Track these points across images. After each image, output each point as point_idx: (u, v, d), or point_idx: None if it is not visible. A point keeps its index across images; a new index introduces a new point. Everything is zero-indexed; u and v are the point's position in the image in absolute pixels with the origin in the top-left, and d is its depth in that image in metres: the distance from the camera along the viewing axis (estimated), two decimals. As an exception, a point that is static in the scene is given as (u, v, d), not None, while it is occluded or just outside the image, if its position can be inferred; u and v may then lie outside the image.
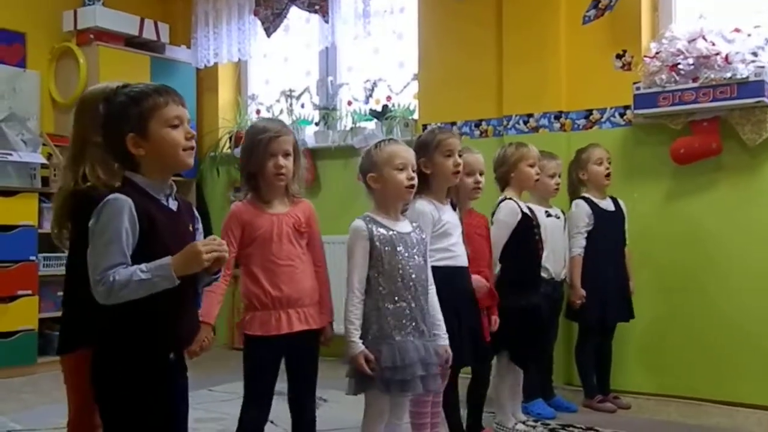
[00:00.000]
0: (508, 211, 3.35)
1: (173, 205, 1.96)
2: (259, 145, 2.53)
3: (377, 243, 2.49)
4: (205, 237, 1.95)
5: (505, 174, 3.44)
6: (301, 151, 2.64)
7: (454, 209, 2.97)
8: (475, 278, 3.02)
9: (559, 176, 3.82)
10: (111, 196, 1.85)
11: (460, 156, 2.89)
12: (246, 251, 2.55)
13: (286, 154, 2.53)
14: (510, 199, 3.40)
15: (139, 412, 1.87)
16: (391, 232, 2.53)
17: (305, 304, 2.55)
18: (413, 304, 2.52)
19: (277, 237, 2.53)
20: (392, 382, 2.45)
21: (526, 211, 3.41)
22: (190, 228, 2.01)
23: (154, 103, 1.88)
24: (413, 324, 2.51)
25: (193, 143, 1.95)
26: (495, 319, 3.13)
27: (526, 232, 3.36)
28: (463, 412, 3.22)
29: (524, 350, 3.34)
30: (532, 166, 3.46)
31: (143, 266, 1.80)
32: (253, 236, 2.53)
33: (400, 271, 2.51)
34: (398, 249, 2.52)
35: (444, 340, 2.61)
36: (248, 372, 2.57)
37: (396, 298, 2.50)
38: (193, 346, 2.46)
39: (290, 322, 2.51)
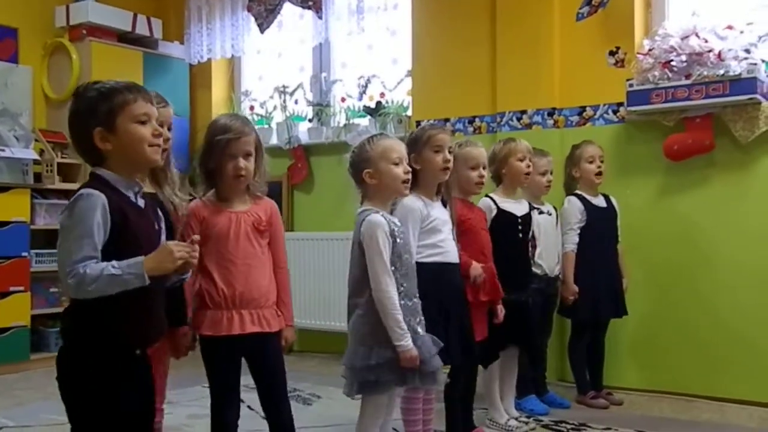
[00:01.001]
0: (483, 208, 3.35)
1: (141, 202, 1.98)
2: (218, 146, 2.46)
3: (397, 238, 2.49)
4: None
5: (497, 171, 3.45)
6: (263, 148, 2.57)
7: (445, 206, 2.96)
8: (475, 265, 3.02)
9: (551, 173, 3.82)
10: (84, 190, 1.85)
11: (450, 152, 2.90)
12: (202, 249, 2.43)
13: (246, 155, 2.47)
14: (487, 196, 3.40)
15: (104, 408, 1.87)
16: (398, 227, 2.53)
17: (260, 306, 2.47)
18: (416, 300, 2.54)
19: (234, 235, 2.46)
20: (426, 375, 2.45)
21: (510, 208, 3.41)
22: (156, 226, 2.02)
23: (124, 99, 1.90)
24: (421, 319, 2.52)
25: (160, 141, 1.96)
26: (500, 309, 3.15)
27: (505, 228, 3.36)
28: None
29: (494, 347, 3.34)
30: (521, 160, 3.46)
31: (115, 263, 1.81)
32: (208, 233, 2.45)
33: (412, 267, 2.53)
34: (407, 243, 2.54)
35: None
36: (208, 372, 2.52)
37: (411, 293, 2.51)
38: (175, 349, 2.48)
39: (242, 323, 2.43)
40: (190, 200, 2.55)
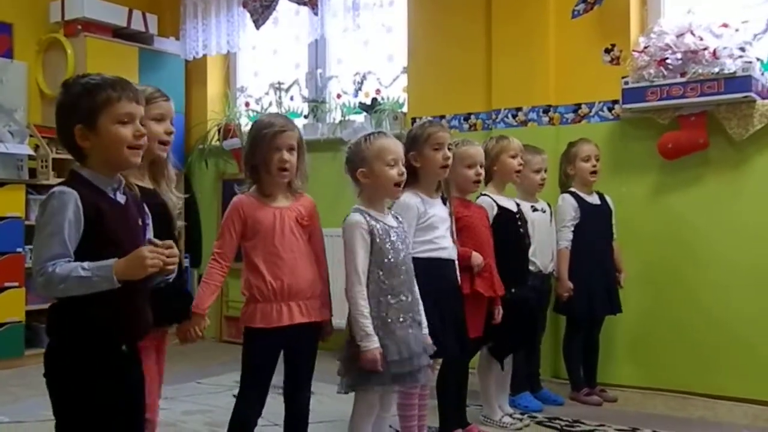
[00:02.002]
0: (485, 206, 3.36)
1: (121, 198, 1.95)
2: (264, 139, 2.53)
3: (377, 237, 2.50)
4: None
5: (488, 167, 3.44)
6: (305, 148, 2.62)
7: (445, 203, 2.97)
8: (476, 254, 3.04)
9: (545, 171, 3.82)
10: (57, 188, 1.84)
11: (449, 149, 2.90)
12: (248, 243, 2.54)
13: (290, 149, 2.53)
14: (485, 195, 3.41)
15: (90, 405, 1.86)
16: (385, 226, 2.54)
17: (306, 297, 2.54)
18: (410, 297, 2.55)
19: (280, 229, 2.52)
20: (400, 375, 2.47)
21: (507, 204, 3.42)
22: (139, 222, 1.99)
23: (107, 97, 1.86)
24: (411, 316, 2.53)
25: (142, 142, 1.92)
26: (498, 310, 3.17)
27: (507, 225, 3.37)
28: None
29: (505, 343, 3.36)
30: (513, 157, 3.46)
31: (86, 264, 1.79)
32: (256, 229, 2.52)
33: (398, 265, 2.53)
34: (394, 242, 2.54)
35: (426, 329, 2.62)
36: (247, 364, 2.56)
37: (397, 291, 2.51)
38: (181, 335, 2.47)
39: (291, 314, 2.50)
40: (186, 198, 2.55)
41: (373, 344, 2.43)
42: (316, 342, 2.62)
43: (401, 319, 2.51)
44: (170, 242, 1.91)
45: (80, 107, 1.87)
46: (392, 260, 2.52)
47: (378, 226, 2.52)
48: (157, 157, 2.38)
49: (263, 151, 2.52)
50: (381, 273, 2.49)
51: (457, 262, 2.98)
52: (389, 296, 2.49)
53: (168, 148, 2.43)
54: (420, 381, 2.57)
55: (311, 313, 2.54)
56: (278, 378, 2.59)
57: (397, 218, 2.66)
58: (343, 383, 2.53)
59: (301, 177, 2.61)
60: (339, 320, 2.65)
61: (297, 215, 2.56)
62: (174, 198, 2.47)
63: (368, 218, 2.52)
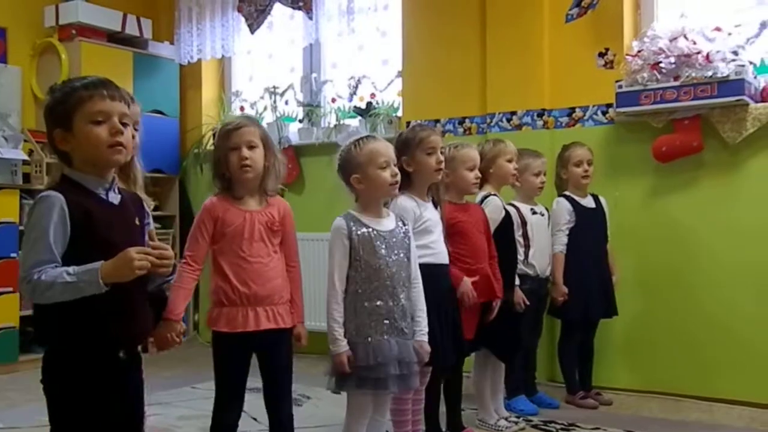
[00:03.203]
0: (494, 208, 3.37)
1: (114, 198, 1.92)
2: (221, 140, 2.54)
3: (356, 242, 2.49)
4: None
5: (484, 170, 3.44)
6: (275, 147, 2.61)
7: (436, 207, 2.97)
8: (466, 280, 3.03)
9: (545, 174, 3.83)
10: (43, 193, 1.83)
11: (441, 153, 2.91)
12: (216, 246, 2.53)
13: (250, 146, 2.50)
14: (494, 195, 3.42)
15: (86, 412, 1.85)
16: (372, 231, 2.53)
17: (274, 302, 2.52)
18: (391, 303, 2.51)
19: (249, 234, 2.50)
20: (367, 380, 2.47)
21: (508, 208, 3.44)
22: (137, 222, 1.97)
23: (79, 98, 1.85)
24: (389, 322, 2.50)
25: (121, 139, 1.87)
26: (495, 303, 3.18)
27: (508, 229, 3.38)
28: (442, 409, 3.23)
29: (504, 344, 3.36)
30: (510, 161, 3.48)
31: (71, 269, 1.76)
32: (223, 232, 2.50)
33: (379, 271, 2.51)
34: (378, 248, 2.52)
35: (423, 335, 2.60)
36: (217, 369, 2.56)
37: (373, 297, 2.50)
38: (158, 342, 2.45)
39: (258, 320, 2.47)
40: (180, 204, 2.56)
41: (340, 348, 2.45)
42: (288, 347, 2.59)
43: (374, 325, 2.49)
44: (159, 243, 1.89)
45: (56, 111, 1.87)
46: (373, 266, 2.50)
47: (361, 231, 2.51)
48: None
49: (223, 152, 2.52)
50: (357, 278, 2.49)
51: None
52: (365, 302, 2.49)
53: (132, 152, 2.41)
54: (393, 389, 2.53)
55: (278, 319, 2.52)
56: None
57: (402, 221, 2.65)
58: (330, 382, 2.55)
59: (273, 177, 2.58)
60: (322, 323, 2.63)
61: (268, 220, 2.54)
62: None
63: (352, 224, 2.51)
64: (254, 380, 2.58)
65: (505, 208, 3.40)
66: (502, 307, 3.27)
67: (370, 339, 2.47)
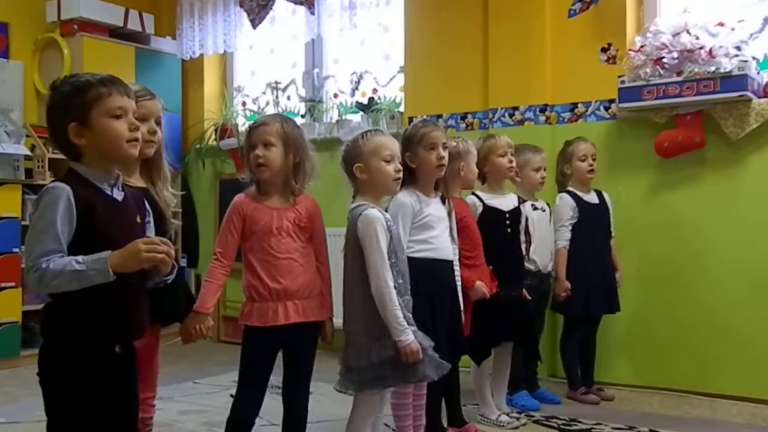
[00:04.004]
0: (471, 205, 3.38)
1: (118, 195, 1.94)
2: (245, 139, 2.57)
3: (391, 234, 2.49)
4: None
5: (480, 169, 3.43)
6: (303, 144, 2.59)
7: (444, 202, 2.96)
8: (479, 284, 3.06)
9: (545, 170, 3.83)
10: (50, 184, 1.84)
11: (444, 148, 2.90)
12: (246, 244, 2.54)
13: (265, 144, 2.51)
14: (473, 193, 3.42)
15: (81, 405, 1.86)
16: (391, 224, 2.53)
17: (304, 296, 2.53)
18: (408, 297, 2.53)
19: (277, 231, 2.51)
20: (429, 367, 2.46)
21: (497, 204, 3.42)
22: (138, 219, 1.99)
23: (97, 93, 1.87)
24: (411, 315, 2.52)
25: (138, 135, 1.92)
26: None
27: (493, 224, 3.37)
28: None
29: (485, 343, 3.36)
30: (503, 156, 3.46)
31: (80, 258, 1.78)
32: (253, 229, 2.52)
33: (403, 263, 2.53)
34: (398, 240, 2.54)
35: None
36: (244, 362, 2.57)
37: (404, 290, 2.51)
38: (184, 334, 2.48)
39: (287, 314, 2.49)
40: (183, 198, 2.56)
41: (410, 336, 2.41)
42: (314, 343, 2.61)
43: (409, 317, 2.50)
44: (164, 239, 1.90)
45: (72, 105, 1.87)
46: (402, 260, 2.52)
47: (390, 223, 2.52)
48: (148, 156, 2.37)
49: (245, 150, 2.55)
50: (395, 271, 2.47)
51: (456, 263, 2.98)
52: (398, 295, 2.46)
53: (156, 147, 2.42)
54: (439, 376, 2.55)
55: (308, 312, 2.53)
56: (277, 378, 2.59)
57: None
58: (349, 383, 2.50)
59: (301, 176, 2.58)
60: (338, 320, 2.64)
61: (295, 217, 2.55)
62: (169, 196, 2.47)
63: (384, 214, 2.51)
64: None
65: (486, 204, 3.40)
66: (514, 301, 3.30)
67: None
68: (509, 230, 3.44)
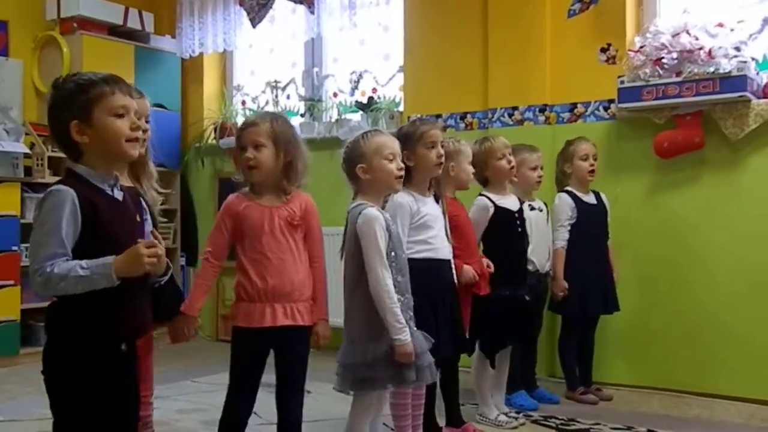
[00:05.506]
0: (476, 209, 3.39)
1: (118, 195, 1.96)
2: (236, 140, 2.58)
3: (390, 232, 2.49)
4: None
5: (481, 173, 3.42)
6: (295, 142, 2.57)
7: (437, 202, 2.97)
8: (466, 268, 3.05)
9: (541, 169, 3.83)
10: (54, 187, 1.85)
11: (442, 147, 2.90)
12: (238, 243, 2.54)
13: (256, 146, 2.49)
14: (483, 195, 3.42)
15: (89, 403, 1.87)
16: (390, 223, 2.54)
17: (294, 299, 2.50)
18: (408, 296, 2.53)
19: (269, 229, 2.49)
20: (421, 369, 2.45)
21: (507, 205, 3.42)
22: (138, 218, 2.01)
23: (100, 91, 1.88)
24: (410, 315, 2.52)
25: (139, 134, 1.94)
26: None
27: (506, 225, 3.38)
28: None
29: (496, 341, 3.37)
30: (501, 158, 3.46)
31: (84, 263, 1.79)
32: (244, 227, 2.51)
33: (403, 262, 2.52)
34: (398, 240, 2.54)
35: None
36: (233, 363, 2.57)
37: (404, 289, 2.50)
38: (173, 334, 2.47)
39: (275, 316, 2.46)
40: (166, 194, 2.57)
41: (408, 337, 2.40)
42: (305, 346, 2.57)
43: (410, 316, 2.50)
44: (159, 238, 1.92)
45: (74, 102, 1.88)
46: (402, 259, 2.52)
47: (389, 222, 2.52)
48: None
49: (238, 152, 2.55)
50: (394, 270, 2.46)
51: (452, 262, 2.98)
52: (399, 294, 2.46)
53: (145, 145, 2.43)
54: (433, 378, 2.55)
55: (297, 316, 2.50)
56: (273, 377, 2.59)
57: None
58: (346, 382, 2.49)
59: (293, 174, 2.56)
60: (332, 319, 2.62)
61: (288, 214, 2.53)
62: (155, 194, 2.48)
63: (382, 213, 2.51)
64: (265, 376, 2.58)
65: (497, 205, 3.39)
66: (515, 301, 3.31)
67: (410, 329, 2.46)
68: (519, 230, 3.45)
